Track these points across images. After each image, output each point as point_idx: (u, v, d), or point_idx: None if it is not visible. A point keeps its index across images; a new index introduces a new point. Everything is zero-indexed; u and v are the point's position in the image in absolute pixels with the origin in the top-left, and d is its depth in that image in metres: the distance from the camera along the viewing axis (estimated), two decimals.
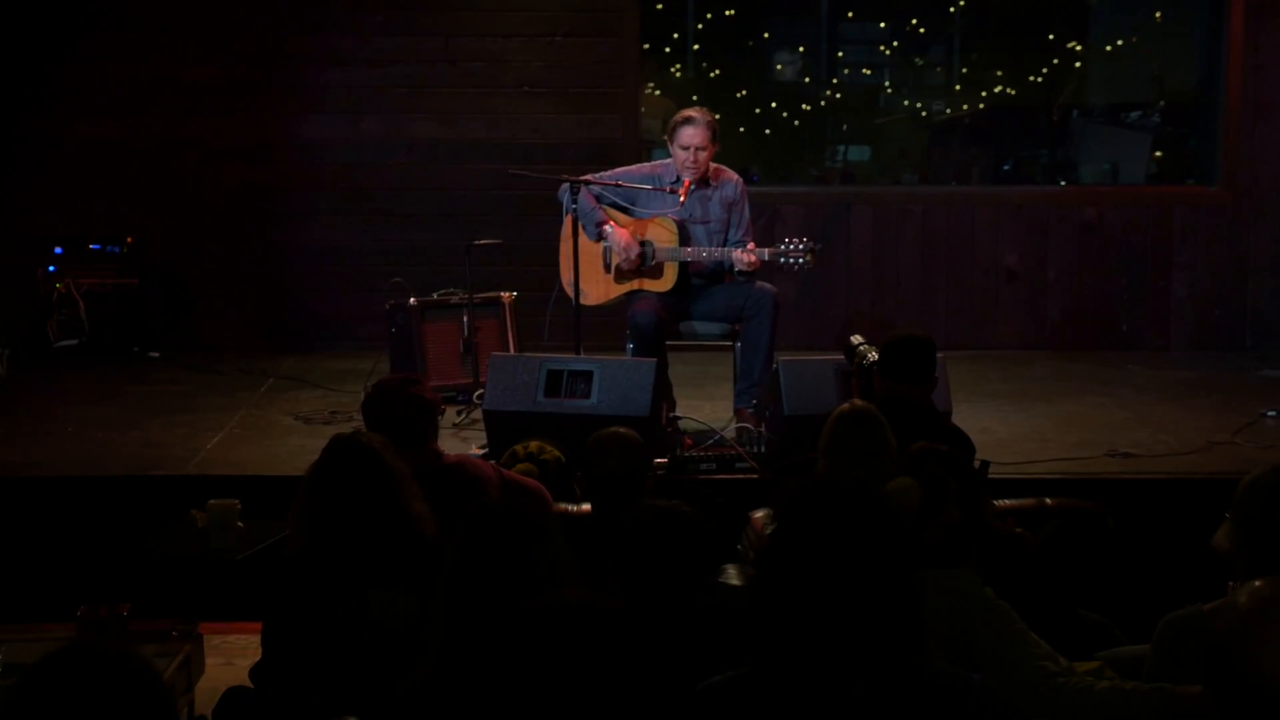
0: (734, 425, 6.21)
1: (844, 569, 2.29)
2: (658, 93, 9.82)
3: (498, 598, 2.52)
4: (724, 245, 6.40)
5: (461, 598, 2.64)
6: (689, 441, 5.91)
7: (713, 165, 6.44)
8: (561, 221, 6.45)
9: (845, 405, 4.47)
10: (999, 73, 10.28)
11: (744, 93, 10.50)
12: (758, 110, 10.33)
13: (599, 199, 6.44)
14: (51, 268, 8.04)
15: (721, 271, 6.46)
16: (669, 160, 6.48)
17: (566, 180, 6.32)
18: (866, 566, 2.30)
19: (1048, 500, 4.71)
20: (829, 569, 2.29)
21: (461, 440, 6.35)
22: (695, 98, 9.76)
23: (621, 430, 4.24)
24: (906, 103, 10.69)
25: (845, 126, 10.57)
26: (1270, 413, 6.76)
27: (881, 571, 2.31)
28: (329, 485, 3.51)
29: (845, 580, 2.28)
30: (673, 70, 10.24)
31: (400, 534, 3.50)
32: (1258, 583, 2.02)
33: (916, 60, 10.87)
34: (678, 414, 6.29)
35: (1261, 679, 1.92)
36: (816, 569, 2.30)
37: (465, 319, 6.96)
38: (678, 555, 3.07)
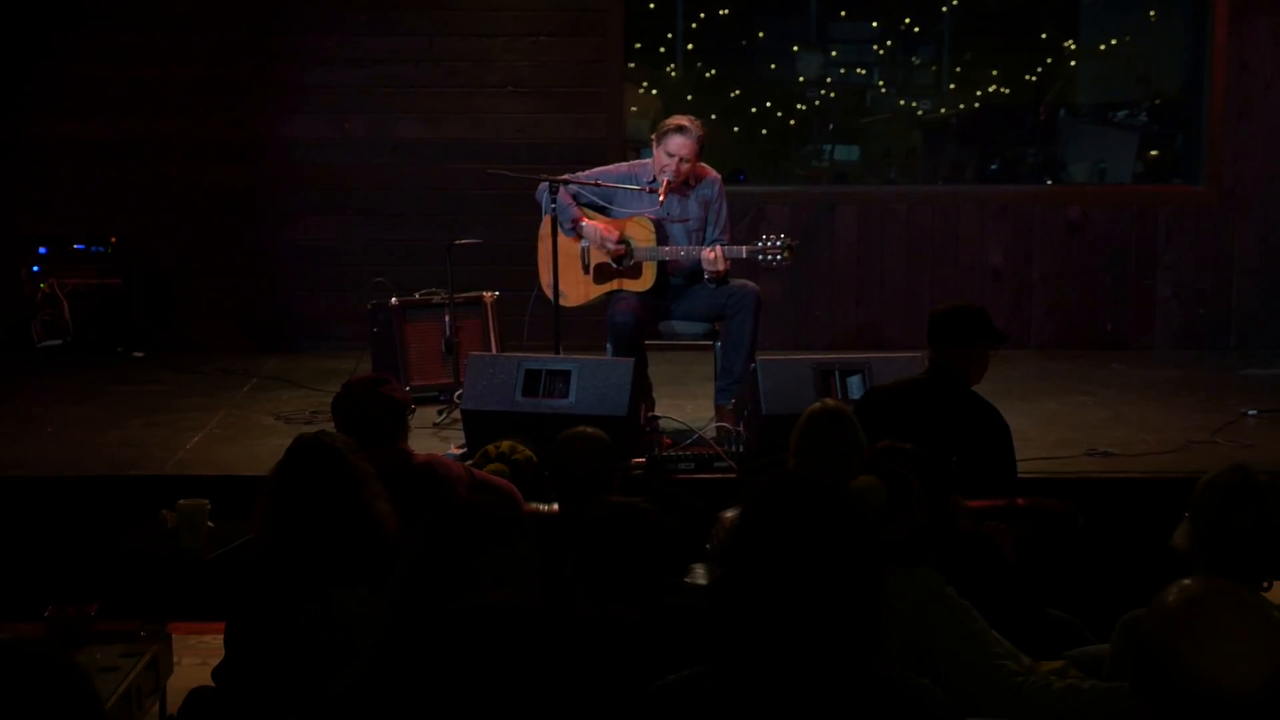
0: (714, 425, 6.21)
1: (805, 567, 2.28)
2: (654, 92, 9.82)
3: (448, 597, 2.51)
4: (703, 244, 6.40)
5: (413, 593, 2.64)
6: (668, 441, 5.92)
7: None
8: (541, 221, 6.45)
9: (816, 404, 4.47)
10: (994, 72, 10.27)
11: (737, 92, 10.50)
12: (753, 110, 10.33)
13: (575, 198, 6.45)
14: (35, 268, 8.04)
15: (699, 272, 6.46)
16: (648, 160, 6.48)
17: (545, 180, 6.32)
18: (828, 566, 2.29)
19: (1018, 499, 4.71)
20: (789, 567, 2.28)
21: (441, 440, 6.36)
22: (690, 98, 9.77)
23: (588, 429, 4.24)
24: (902, 102, 10.68)
25: (831, 126, 10.56)
26: (1251, 412, 6.77)
27: (843, 572, 2.30)
28: (292, 485, 3.50)
29: (805, 579, 2.28)
30: (667, 70, 10.24)
31: (363, 534, 3.49)
32: (1187, 581, 2.01)
33: (914, 60, 10.87)
34: (657, 413, 6.29)
35: (1185, 678, 1.91)
36: (776, 566, 2.30)
37: (447, 319, 6.95)
38: (635, 553, 3.07)
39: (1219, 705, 1.89)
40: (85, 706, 1.72)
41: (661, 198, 6.30)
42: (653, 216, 6.36)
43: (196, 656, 4.92)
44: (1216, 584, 1.99)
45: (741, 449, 5.83)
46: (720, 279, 6.29)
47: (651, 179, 6.37)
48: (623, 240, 6.31)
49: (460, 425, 6.13)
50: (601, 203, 6.46)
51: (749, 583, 2.32)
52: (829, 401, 4.55)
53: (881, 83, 10.89)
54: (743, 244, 6.34)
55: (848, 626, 2.30)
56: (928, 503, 3.42)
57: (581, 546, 3.10)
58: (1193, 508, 3.16)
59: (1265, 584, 3.14)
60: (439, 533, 2.67)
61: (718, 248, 6.20)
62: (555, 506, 4.40)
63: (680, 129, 6.28)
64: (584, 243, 6.39)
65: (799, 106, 10.38)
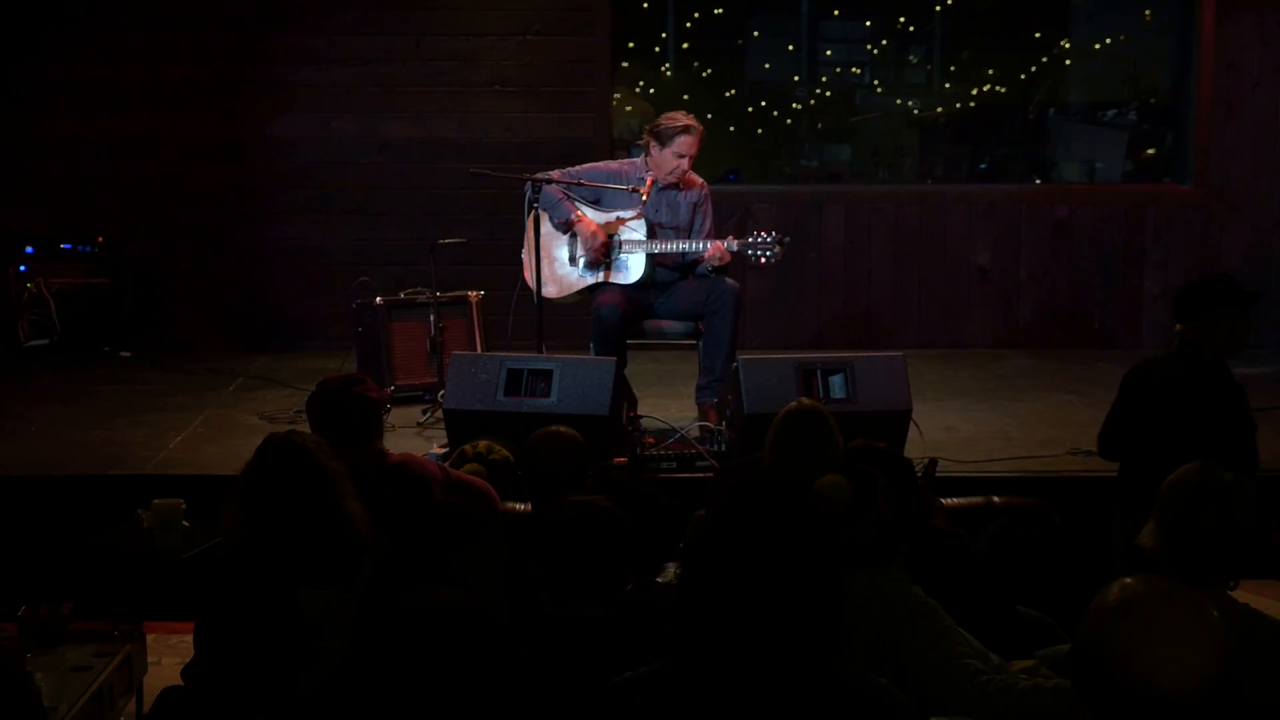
0: (697, 424, 6.21)
1: (764, 567, 2.28)
2: (652, 91, 9.82)
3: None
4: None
5: (378, 593, 2.64)
6: (650, 440, 5.91)
7: None
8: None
9: (792, 404, 4.47)
10: (990, 71, 10.26)
11: (733, 92, 10.49)
12: (750, 109, 10.33)
13: (568, 195, 6.43)
14: (22, 267, 8.05)
15: (687, 267, 6.45)
16: (635, 160, 6.47)
17: (529, 179, 6.32)
18: (788, 566, 2.29)
19: (995, 498, 4.71)
20: (749, 566, 2.29)
21: (425, 440, 6.35)
22: (686, 97, 9.77)
23: (561, 429, 4.24)
24: (899, 101, 10.68)
25: (820, 126, 10.55)
26: None
27: (803, 572, 2.30)
28: (260, 484, 3.51)
29: (765, 578, 2.28)
30: (662, 69, 10.24)
31: (333, 533, 3.49)
32: (1129, 580, 2.01)
33: (911, 59, 10.86)
34: (639, 413, 6.29)
35: (1123, 676, 1.91)
36: (736, 566, 2.30)
37: (431, 318, 6.94)
38: (597, 552, 3.06)
39: (1157, 703, 1.89)
40: (20, 704, 1.72)
41: (644, 197, 6.29)
42: (642, 216, 6.35)
43: (177, 656, 4.90)
44: (1157, 583, 1.99)
45: (724, 448, 5.83)
46: (721, 270, 6.27)
47: (640, 178, 6.35)
48: (606, 245, 6.30)
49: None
50: (587, 202, 6.45)
51: (709, 582, 2.33)
52: (804, 401, 4.54)
53: (877, 82, 10.89)
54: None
55: (807, 626, 2.30)
56: (896, 501, 3.41)
57: (543, 546, 3.10)
58: (1158, 507, 3.16)
59: (1231, 583, 3.13)
60: (405, 533, 2.67)
61: (720, 244, 6.18)
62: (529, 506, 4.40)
63: (687, 129, 6.24)
64: (572, 232, 6.38)
65: (795, 106, 10.38)
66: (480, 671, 1.91)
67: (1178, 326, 5.05)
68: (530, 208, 6.28)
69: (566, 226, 6.35)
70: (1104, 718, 1.93)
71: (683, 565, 2.52)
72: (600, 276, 6.37)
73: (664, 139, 6.30)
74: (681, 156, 6.26)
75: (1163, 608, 1.94)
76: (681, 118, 6.32)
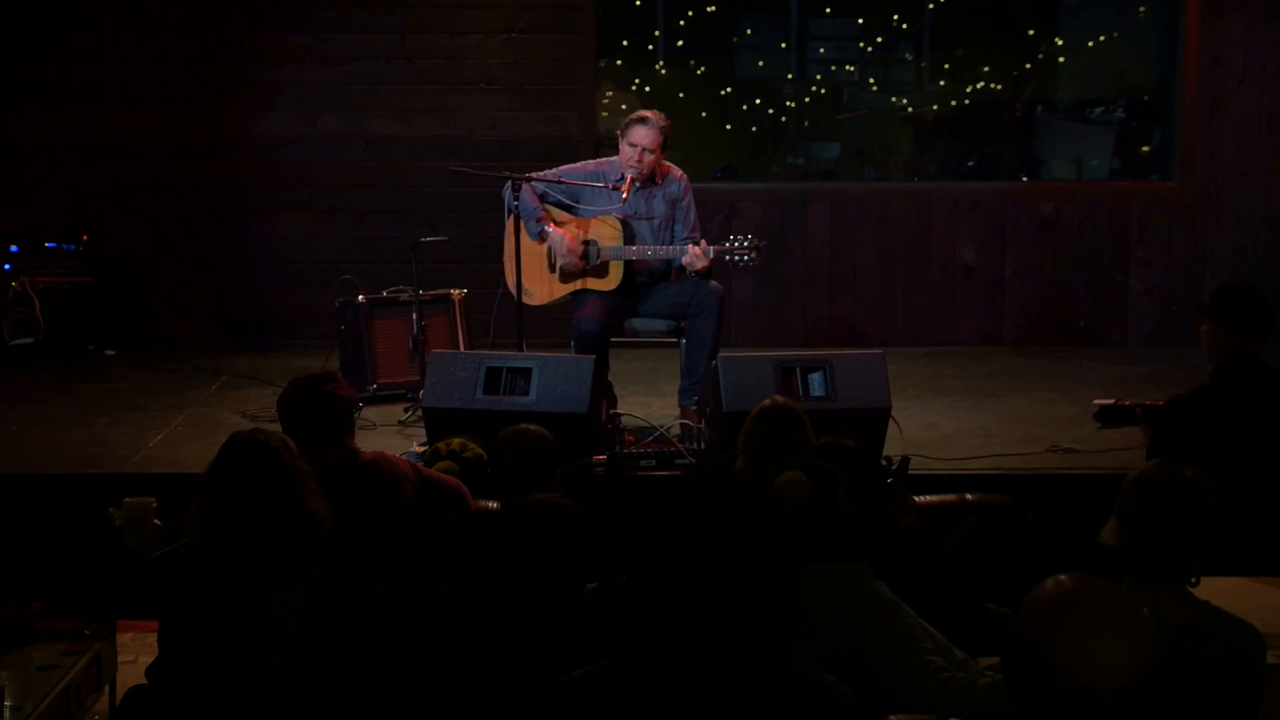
0: (678, 421, 6.21)
1: (711, 564, 2.27)
2: (647, 89, 9.83)
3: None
4: (670, 242, 6.40)
5: (325, 592, 2.64)
6: (630, 438, 5.91)
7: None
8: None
9: (766, 401, 4.47)
10: (985, 68, 10.26)
11: (728, 90, 10.50)
12: (744, 107, 10.33)
13: (543, 197, 6.43)
14: (7, 266, 8.04)
15: (668, 269, 6.45)
16: (614, 158, 6.47)
17: (508, 177, 6.31)
18: (734, 563, 2.28)
19: (968, 495, 4.70)
20: (695, 563, 2.28)
21: (406, 438, 6.35)
22: (681, 95, 9.77)
23: (530, 427, 4.24)
24: (894, 99, 10.68)
25: (806, 124, 10.55)
26: None
27: (751, 569, 2.30)
28: (224, 483, 3.50)
29: (711, 575, 2.27)
30: (656, 67, 10.24)
31: (297, 532, 3.48)
32: (1063, 577, 2.00)
33: (906, 56, 10.87)
34: (619, 411, 6.29)
35: (1050, 672, 1.90)
36: (683, 562, 2.29)
37: (414, 316, 6.94)
38: (555, 551, 3.06)
39: (1081, 701, 1.88)
40: None
41: (625, 194, 6.29)
42: (619, 215, 6.35)
43: (153, 655, 4.89)
44: (1091, 581, 1.98)
45: (703, 446, 5.82)
46: (704, 274, 6.27)
47: (619, 176, 6.36)
48: (584, 255, 6.30)
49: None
50: (567, 200, 6.45)
51: (656, 577, 2.32)
52: (778, 399, 4.55)
53: (872, 79, 10.89)
54: (713, 243, 6.32)
55: (756, 623, 2.30)
56: (858, 498, 3.40)
57: (502, 544, 3.10)
58: (1119, 504, 3.15)
59: (1193, 580, 3.13)
60: (347, 532, 2.67)
61: (701, 244, 6.19)
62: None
63: (642, 120, 6.29)
64: (548, 244, 6.39)
65: (788, 104, 10.38)
66: (416, 670, 1.90)
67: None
68: (510, 210, 6.27)
69: (540, 237, 6.36)
70: (1032, 716, 1.93)
71: (633, 562, 2.52)
72: (580, 284, 6.36)
73: (622, 132, 6.36)
74: (635, 147, 6.28)
75: (1089, 605, 1.93)
76: (640, 112, 6.37)
